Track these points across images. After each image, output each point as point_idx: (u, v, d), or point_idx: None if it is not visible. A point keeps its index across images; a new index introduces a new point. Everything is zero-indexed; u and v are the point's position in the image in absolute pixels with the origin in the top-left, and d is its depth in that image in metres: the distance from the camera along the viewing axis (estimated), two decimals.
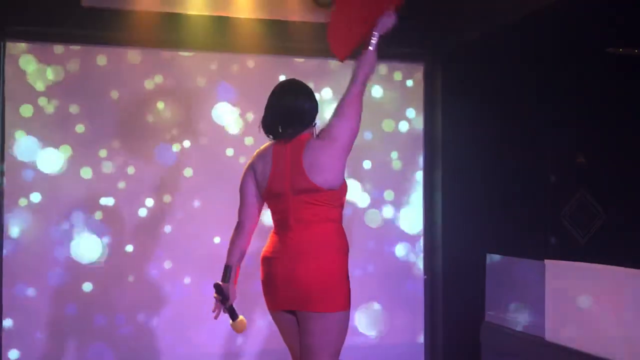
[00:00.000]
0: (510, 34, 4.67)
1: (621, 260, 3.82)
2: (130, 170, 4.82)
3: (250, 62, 5.05)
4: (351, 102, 3.14)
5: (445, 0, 5.04)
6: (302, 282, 3.06)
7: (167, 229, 4.85)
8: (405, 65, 5.37)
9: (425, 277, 5.33)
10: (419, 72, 5.40)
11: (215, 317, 3.13)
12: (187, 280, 4.86)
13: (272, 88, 3.27)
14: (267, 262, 3.13)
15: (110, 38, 4.76)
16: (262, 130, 3.17)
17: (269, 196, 3.11)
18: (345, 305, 3.06)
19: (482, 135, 5.16)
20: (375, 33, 3.14)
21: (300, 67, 5.09)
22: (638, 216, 4.88)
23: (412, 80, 5.42)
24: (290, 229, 3.07)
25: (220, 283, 3.09)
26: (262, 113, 3.19)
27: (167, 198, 4.83)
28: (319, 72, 5.12)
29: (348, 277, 3.13)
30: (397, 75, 5.36)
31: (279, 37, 4.94)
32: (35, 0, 4.51)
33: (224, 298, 3.08)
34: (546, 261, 4.28)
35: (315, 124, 3.16)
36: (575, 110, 5.19)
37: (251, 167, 3.16)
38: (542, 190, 5.30)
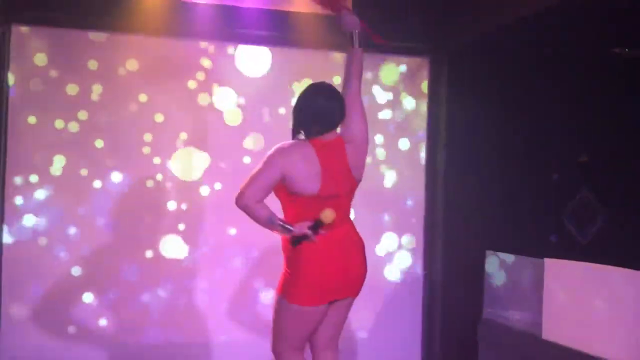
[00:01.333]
0: (517, 32, 4.59)
1: (621, 261, 3.78)
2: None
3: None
4: (360, 101, 3.33)
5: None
6: (358, 274, 3.27)
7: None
8: (410, 59, 5.25)
9: (425, 272, 5.26)
10: (424, 67, 5.28)
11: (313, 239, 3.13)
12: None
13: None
14: (324, 257, 3.15)
15: (110, 24, 4.69)
16: (294, 129, 3.22)
17: (318, 197, 3.10)
18: None
19: (485, 133, 5.14)
20: (355, 31, 3.34)
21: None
22: (636, 219, 4.81)
23: (417, 75, 5.28)
24: (339, 226, 3.16)
25: (290, 227, 3.10)
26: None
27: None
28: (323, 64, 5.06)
29: None
30: (402, 69, 5.23)
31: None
32: None
33: (303, 233, 3.12)
34: (546, 260, 4.27)
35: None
36: (580, 109, 5.15)
37: (284, 161, 3.09)
38: (544, 188, 5.26)
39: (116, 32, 4.75)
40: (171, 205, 4.83)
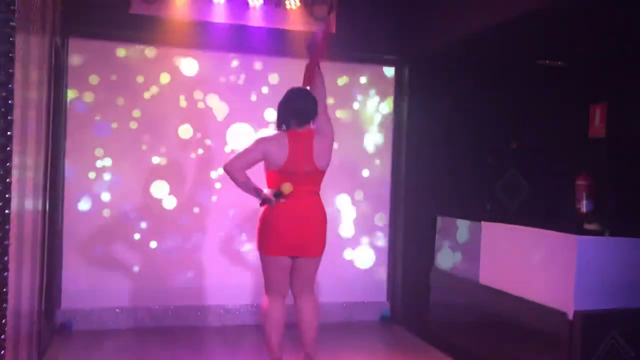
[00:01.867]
0: (464, 45, 4.96)
1: (539, 223, 4.09)
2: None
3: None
4: (325, 106, 3.89)
5: (414, 13, 5.33)
6: (310, 241, 3.76)
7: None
8: (379, 67, 5.66)
9: (390, 230, 5.72)
10: (391, 73, 5.69)
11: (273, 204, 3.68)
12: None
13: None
14: (281, 220, 3.70)
15: (150, 39, 5.07)
16: (276, 123, 3.82)
17: (282, 172, 3.69)
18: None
19: (438, 125, 5.48)
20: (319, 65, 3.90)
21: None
22: (553, 191, 5.00)
23: (385, 80, 5.68)
24: (299, 197, 3.70)
25: (258, 191, 3.71)
26: None
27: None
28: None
29: None
30: (374, 77, 5.65)
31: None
32: (92, 7, 4.80)
33: (266, 196, 3.69)
34: (482, 222, 4.60)
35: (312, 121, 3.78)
36: (511, 107, 5.38)
37: (265, 145, 3.72)
38: (481, 167, 5.44)
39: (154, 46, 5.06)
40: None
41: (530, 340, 3.92)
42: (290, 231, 3.70)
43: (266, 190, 3.72)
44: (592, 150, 4.72)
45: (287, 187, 3.64)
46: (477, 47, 4.99)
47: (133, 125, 5.15)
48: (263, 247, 3.76)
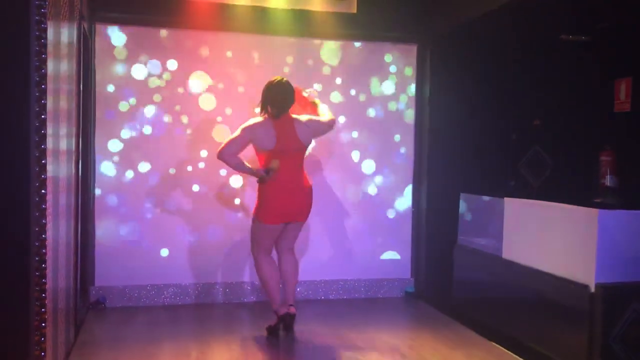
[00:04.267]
0: (486, 22, 4.95)
1: (562, 199, 4.15)
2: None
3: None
4: (325, 123, 4.54)
5: None
6: (301, 208, 4.39)
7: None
8: (401, 45, 5.68)
9: (413, 209, 5.78)
10: (412, 51, 5.71)
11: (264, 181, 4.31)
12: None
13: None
14: (278, 192, 4.27)
15: (178, 22, 5.15)
16: (261, 110, 4.33)
17: (274, 152, 4.25)
18: None
19: (460, 101, 5.46)
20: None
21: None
22: (577, 167, 4.98)
23: (406, 59, 5.69)
24: (291, 171, 4.30)
25: (252, 171, 4.30)
26: None
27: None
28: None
29: None
30: (395, 54, 5.67)
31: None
32: None
33: (260, 173, 4.29)
34: (505, 199, 4.62)
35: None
36: (534, 82, 5.32)
37: (251, 132, 4.26)
38: (505, 144, 5.49)
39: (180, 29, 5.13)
40: None
41: (552, 313, 3.97)
42: (286, 201, 4.33)
43: (257, 169, 4.32)
44: (617, 125, 4.68)
45: (274, 163, 4.26)
46: (500, 24, 4.98)
47: (157, 98, 5.24)
48: (262, 217, 4.35)
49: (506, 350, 4.27)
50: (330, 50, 5.53)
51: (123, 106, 5.17)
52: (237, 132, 4.28)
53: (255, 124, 4.30)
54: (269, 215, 4.34)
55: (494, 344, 4.42)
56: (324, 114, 4.61)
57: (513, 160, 5.33)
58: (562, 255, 3.98)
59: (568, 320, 3.83)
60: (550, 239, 4.10)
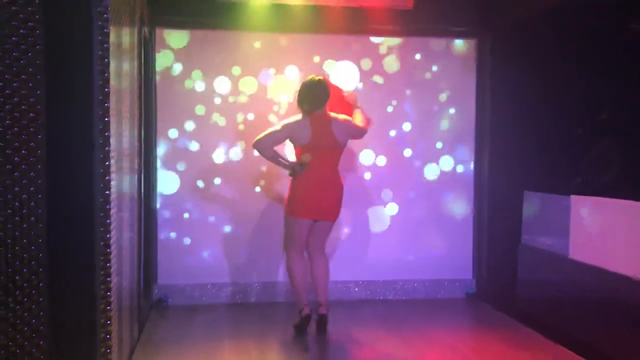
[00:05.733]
0: (549, 14, 4.89)
1: (632, 196, 4.02)
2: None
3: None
4: (359, 127, 4.64)
5: None
6: (329, 206, 4.48)
7: None
8: (460, 40, 5.64)
9: (474, 208, 5.72)
10: (472, 45, 5.67)
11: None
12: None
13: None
14: (308, 188, 4.39)
15: (235, 25, 5.27)
16: (298, 107, 4.48)
17: (309, 147, 4.39)
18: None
19: (522, 96, 5.34)
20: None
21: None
22: None
23: (467, 50, 5.65)
24: (322, 169, 4.42)
25: (285, 163, 4.50)
26: None
27: None
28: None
29: None
30: (457, 48, 5.64)
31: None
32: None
33: (292, 165, 4.45)
34: (572, 196, 4.56)
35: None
36: (600, 75, 5.06)
37: (289, 128, 4.45)
38: (571, 140, 5.25)
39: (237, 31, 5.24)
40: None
41: (623, 316, 3.87)
42: (314, 196, 4.44)
43: (290, 162, 4.49)
44: None
45: (306, 157, 4.37)
46: (563, 16, 4.86)
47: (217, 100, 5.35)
48: (292, 210, 4.48)
49: (574, 354, 4.17)
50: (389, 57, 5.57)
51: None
52: (278, 127, 4.51)
53: (295, 122, 4.48)
54: (297, 208, 4.47)
55: (561, 347, 4.32)
56: (358, 120, 4.68)
57: (579, 156, 5.14)
58: (633, 255, 3.87)
59: None
60: (619, 237, 4.02)
